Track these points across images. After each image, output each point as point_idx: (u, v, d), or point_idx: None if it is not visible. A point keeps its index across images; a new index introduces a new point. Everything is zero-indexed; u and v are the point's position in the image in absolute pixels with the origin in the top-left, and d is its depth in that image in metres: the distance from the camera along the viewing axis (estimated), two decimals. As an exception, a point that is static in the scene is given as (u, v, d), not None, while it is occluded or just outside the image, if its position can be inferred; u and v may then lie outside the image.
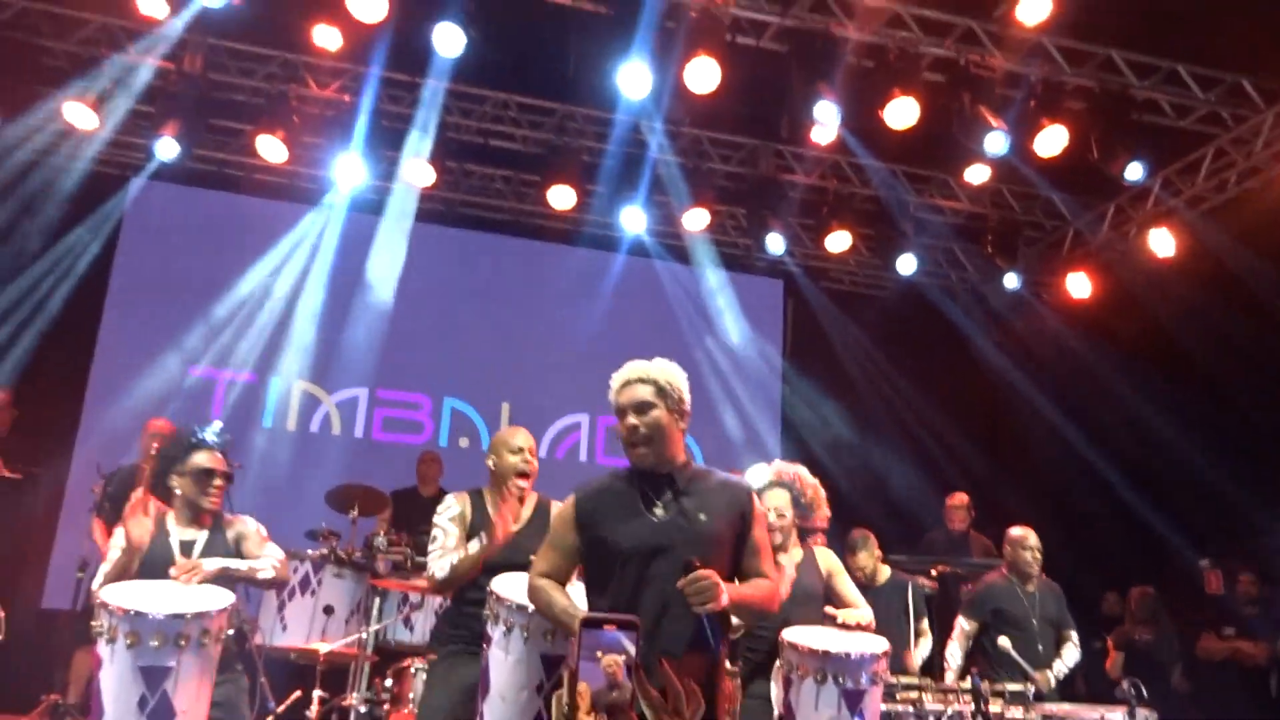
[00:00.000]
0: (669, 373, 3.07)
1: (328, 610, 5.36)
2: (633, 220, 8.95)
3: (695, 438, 9.74)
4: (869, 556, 6.09)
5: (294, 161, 8.38)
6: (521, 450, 4.10)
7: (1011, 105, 7.34)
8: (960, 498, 7.80)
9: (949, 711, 4.53)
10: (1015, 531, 5.84)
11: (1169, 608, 7.66)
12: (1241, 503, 7.37)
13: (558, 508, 3.26)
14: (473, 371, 9.36)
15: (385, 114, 8.27)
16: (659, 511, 2.94)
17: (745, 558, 2.99)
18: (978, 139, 7.21)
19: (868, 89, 7.12)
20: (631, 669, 1.42)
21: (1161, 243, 8.58)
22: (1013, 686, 4.75)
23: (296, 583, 5.38)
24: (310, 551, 5.55)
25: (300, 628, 5.28)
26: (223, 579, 3.71)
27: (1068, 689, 5.72)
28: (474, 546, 3.89)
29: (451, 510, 4.08)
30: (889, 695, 4.40)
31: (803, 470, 4.41)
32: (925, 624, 5.92)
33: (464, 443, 9.26)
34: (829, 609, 4.13)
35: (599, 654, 1.42)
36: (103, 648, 3.30)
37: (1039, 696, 4.87)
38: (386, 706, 4.83)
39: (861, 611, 4.22)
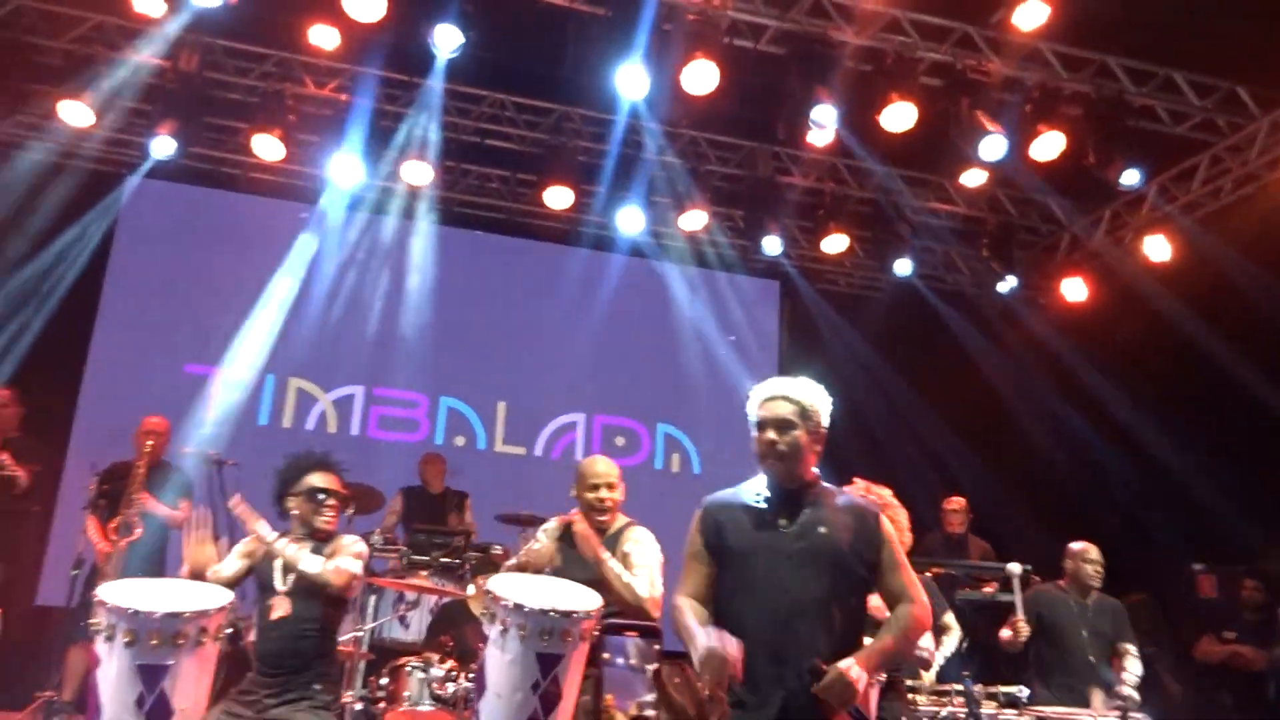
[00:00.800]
0: (812, 396, 3.13)
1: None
2: (630, 221, 8.97)
3: (691, 437, 9.80)
4: None
5: (290, 160, 8.37)
6: (597, 488, 4.25)
7: (1008, 110, 7.37)
8: (957, 501, 7.81)
9: (943, 713, 4.54)
10: (1076, 545, 5.84)
11: (1163, 612, 7.68)
12: (1234, 510, 7.40)
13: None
14: (469, 370, 9.36)
15: (382, 113, 8.28)
16: (783, 523, 3.03)
17: (883, 576, 3.06)
18: (975, 143, 7.24)
19: (865, 92, 7.15)
20: (656, 675, 1.44)
21: (1157, 248, 8.62)
22: (1009, 689, 4.74)
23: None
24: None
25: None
26: (310, 580, 3.88)
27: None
28: (536, 545, 4.04)
29: (549, 526, 4.37)
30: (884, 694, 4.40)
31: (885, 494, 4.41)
32: (949, 618, 5.82)
33: (459, 441, 9.26)
34: None
35: (624, 659, 1.43)
36: (101, 646, 3.30)
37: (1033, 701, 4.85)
38: (382, 705, 4.83)
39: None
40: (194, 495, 6.45)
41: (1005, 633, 5.55)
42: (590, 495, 4.23)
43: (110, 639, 3.28)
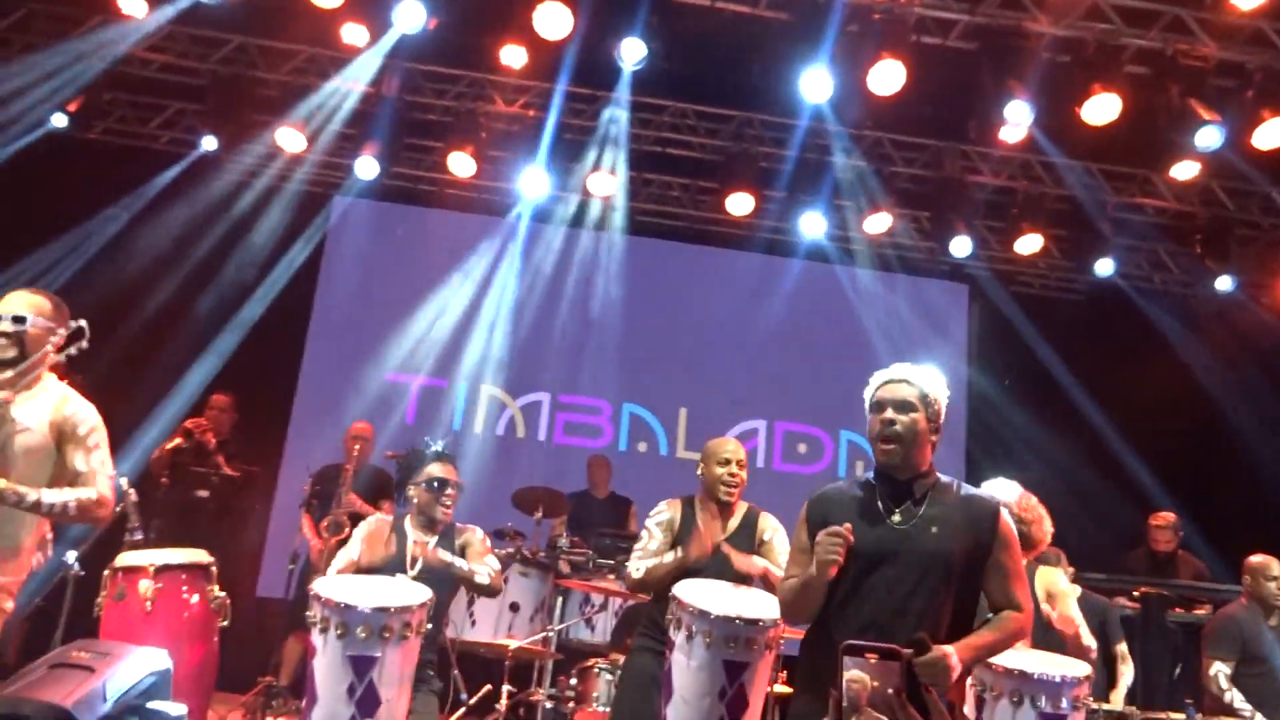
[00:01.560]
0: (934, 382, 3.01)
1: (514, 608, 5.55)
2: (812, 225, 8.86)
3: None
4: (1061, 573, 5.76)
5: (482, 176, 8.72)
6: (729, 462, 4.17)
7: (1226, 96, 6.84)
8: (1165, 517, 7.32)
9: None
10: (1255, 560, 5.43)
11: None
12: None
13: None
14: (651, 377, 9.49)
15: (568, 127, 8.51)
16: (895, 519, 2.87)
17: (991, 581, 2.86)
18: (1188, 134, 6.75)
19: (1064, 85, 6.80)
20: (897, 696, 1.40)
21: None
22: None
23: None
24: (497, 550, 5.75)
25: (488, 624, 5.48)
26: (444, 571, 3.97)
27: None
28: (669, 557, 3.99)
29: (661, 516, 4.22)
30: (1090, 722, 4.18)
31: (1021, 493, 4.23)
32: (1124, 648, 5.56)
33: (642, 447, 9.39)
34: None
35: (864, 680, 1.40)
36: (316, 637, 3.54)
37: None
38: (571, 704, 4.95)
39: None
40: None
41: None
42: (721, 470, 4.13)
43: (324, 631, 3.51)
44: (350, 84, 8.02)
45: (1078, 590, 5.70)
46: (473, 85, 8.45)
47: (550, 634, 5.44)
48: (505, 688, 5.12)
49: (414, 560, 4.02)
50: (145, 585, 4.13)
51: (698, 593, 3.73)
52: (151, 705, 3.05)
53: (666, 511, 4.22)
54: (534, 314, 9.23)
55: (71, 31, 7.74)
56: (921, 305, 9.76)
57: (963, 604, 2.83)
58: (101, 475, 3.53)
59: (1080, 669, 3.60)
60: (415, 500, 4.13)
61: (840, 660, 1.42)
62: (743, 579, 3.99)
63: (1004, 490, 4.20)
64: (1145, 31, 6.79)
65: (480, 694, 5.09)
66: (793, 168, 8.61)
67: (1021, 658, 3.62)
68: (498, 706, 5.04)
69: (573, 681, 5.01)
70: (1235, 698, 5.13)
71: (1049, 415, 9.20)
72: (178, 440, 6.82)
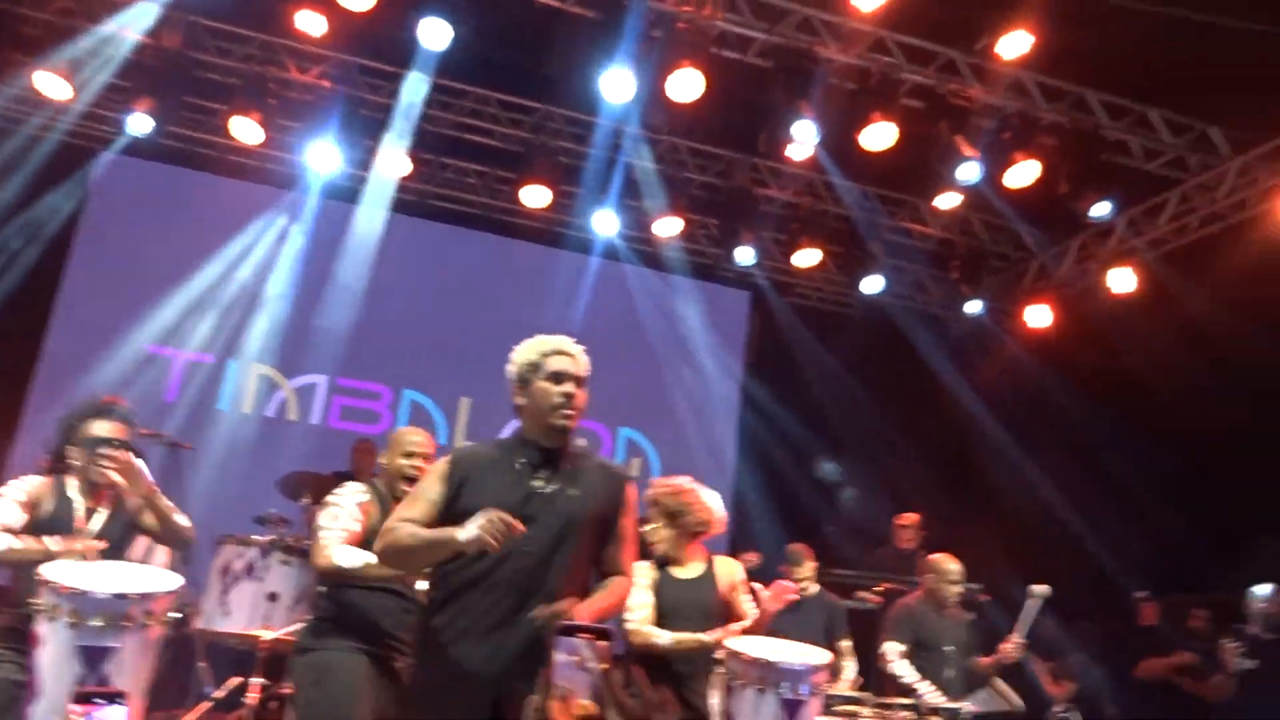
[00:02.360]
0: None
1: (272, 597, 5.28)
2: (605, 223, 8.98)
3: (653, 442, 9.81)
4: (805, 570, 6.05)
5: (268, 145, 8.30)
6: (413, 454, 4.01)
7: (985, 136, 7.45)
8: (910, 517, 7.86)
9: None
10: (936, 558, 5.91)
11: (1111, 639, 7.78)
12: (1190, 544, 7.51)
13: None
14: (434, 365, 9.32)
15: (364, 102, 8.23)
16: (537, 483, 2.99)
17: (608, 544, 3.06)
18: (951, 167, 7.32)
19: (847, 110, 7.21)
20: (606, 674, 1.44)
21: (1122, 280, 8.72)
22: (951, 705, 4.80)
23: (242, 568, 5.30)
24: (257, 537, 5.47)
25: (243, 614, 5.20)
26: (110, 524, 3.71)
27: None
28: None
29: (359, 497, 3.92)
30: (827, 708, 4.44)
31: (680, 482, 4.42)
32: (848, 645, 5.91)
33: (422, 436, 9.21)
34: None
35: (575, 659, 1.43)
36: (42, 626, 3.26)
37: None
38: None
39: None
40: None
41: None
42: (405, 462, 3.98)
43: (53, 619, 3.24)
44: (124, 30, 7.42)
45: (816, 589, 6.03)
46: (264, 48, 8.02)
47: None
48: (256, 680, 4.89)
49: (88, 516, 3.71)
50: None
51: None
52: None
53: (364, 494, 3.93)
54: (315, 293, 8.86)
55: None
56: (705, 309, 10.10)
57: (596, 564, 3.04)
58: None
59: (820, 657, 3.83)
60: (76, 463, 3.76)
61: (556, 641, 1.47)
62: None
63: (675, 484, 4.39)
64: (923, 68, 7.30)
65: (227, 687, 4.85)
66: (591, 165, 8.68)
67: (766, 647, 3.82)
68: (245, 700, 4.82)
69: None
70: (900, 668, 5.59)
71: (817, 420, 9.74)
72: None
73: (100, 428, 3.80)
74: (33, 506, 3.74)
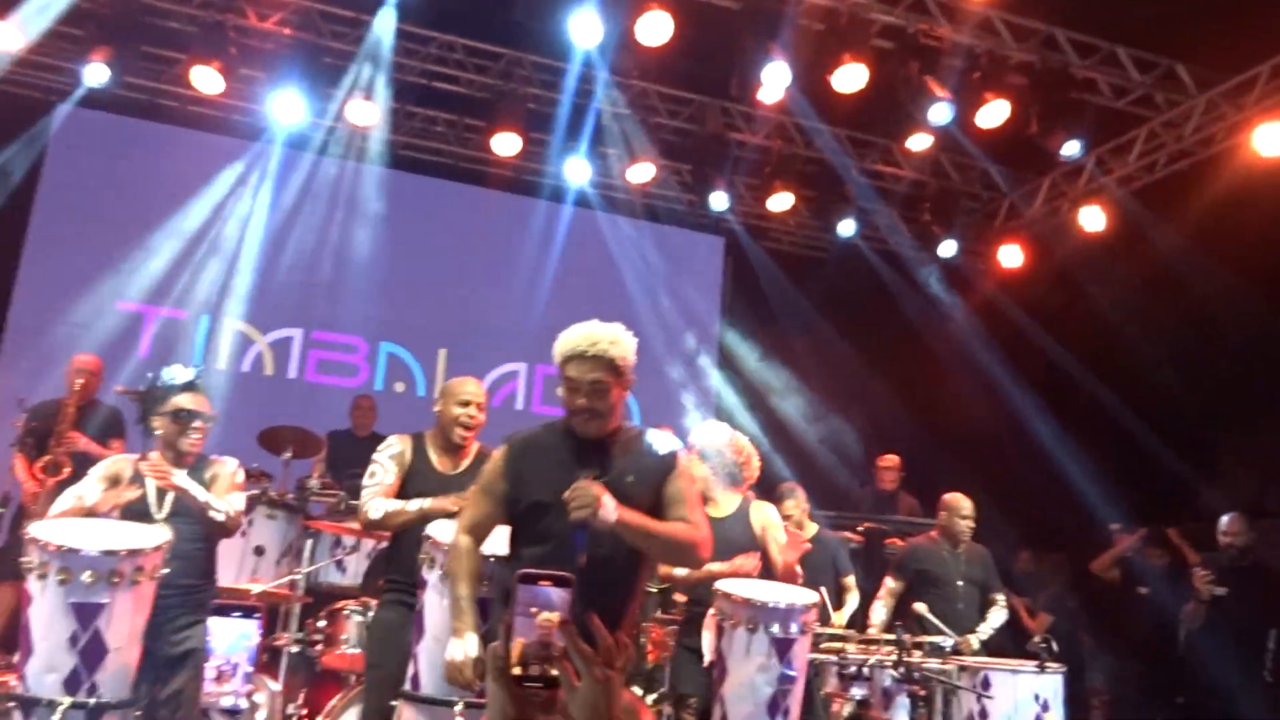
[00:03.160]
0: (622, 347, 3.04)
1: (258, 551, 5.32)
2: (576, 171, 8.91)
3: (633, 391, 9.85)
4: (795, 507, 6.12)
5: (230, 95, 8.14)
6: (469, 403, 4.10)
7: (956, 76, 7.44)
8: (890, 459, 7.98)
9: (871, 661, 4.71)
10: (949, 497, 6.00)
11: (1084, 573, 7.96)
12: (1162, 471, 7.67)
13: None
14: (410, 316, 9.28)
15: (328, 50, 8.06)
16: (592, 470, 2.95)
17: (665, 506, 3.02)
18: (923, 108, 7.32)
19: (818, 52, 7.16)
20: (565, 624, 1.47)
21: (1092, 219, 8.81)
22: (932, 639, 4.93)
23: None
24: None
25: (230, 568, 5.22)
26: (182, 499, 3.75)
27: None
28: (414, 506, 3.91)
29: (393, 449, 4.12)
30: (815, 645, 4.55)
31: (731, 435, 4.46)
32: (851, 580, 6.08)
33: (399, 387, 9.20)
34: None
35: (534, 609, 1.46)
36: (33, 584, 3.27)
37: (956, 651, 5.05)
38: (319, 647, 4.84)
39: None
40: (125, 434, 6.33)
41: None
42: (460, 410, 4.08)
43: (43, 577, 3.25)
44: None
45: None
46: (221, -7, 7.82)
47: (298, 577, 5.27)
48: (247, 633, 4.92)
49: (161, 499, 3.78)
50: None
51: (452, 533, 3.73)
52: None
53: (398, 445, 4.12)
54: (286, 246, 8.76)
55: None
56: (680, 256, 10.10)
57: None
58: None
59: (808, 597, 3.92)
60: (160, 433, 3.84)
61: (516, 589, 1.50)
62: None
63: (715, 431, 4.45)
64: (892, 7, 7.25)
65: (220, 640, 4.86)
66: (560, 112, 8.59)
67: (756, 588, 3.90)
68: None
69: (321, 624, 4.89)
70: (875, 611, 5.75)
71: (794, 364, 9.81)
72: None
73: (185, 400, 3.89)
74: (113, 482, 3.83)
